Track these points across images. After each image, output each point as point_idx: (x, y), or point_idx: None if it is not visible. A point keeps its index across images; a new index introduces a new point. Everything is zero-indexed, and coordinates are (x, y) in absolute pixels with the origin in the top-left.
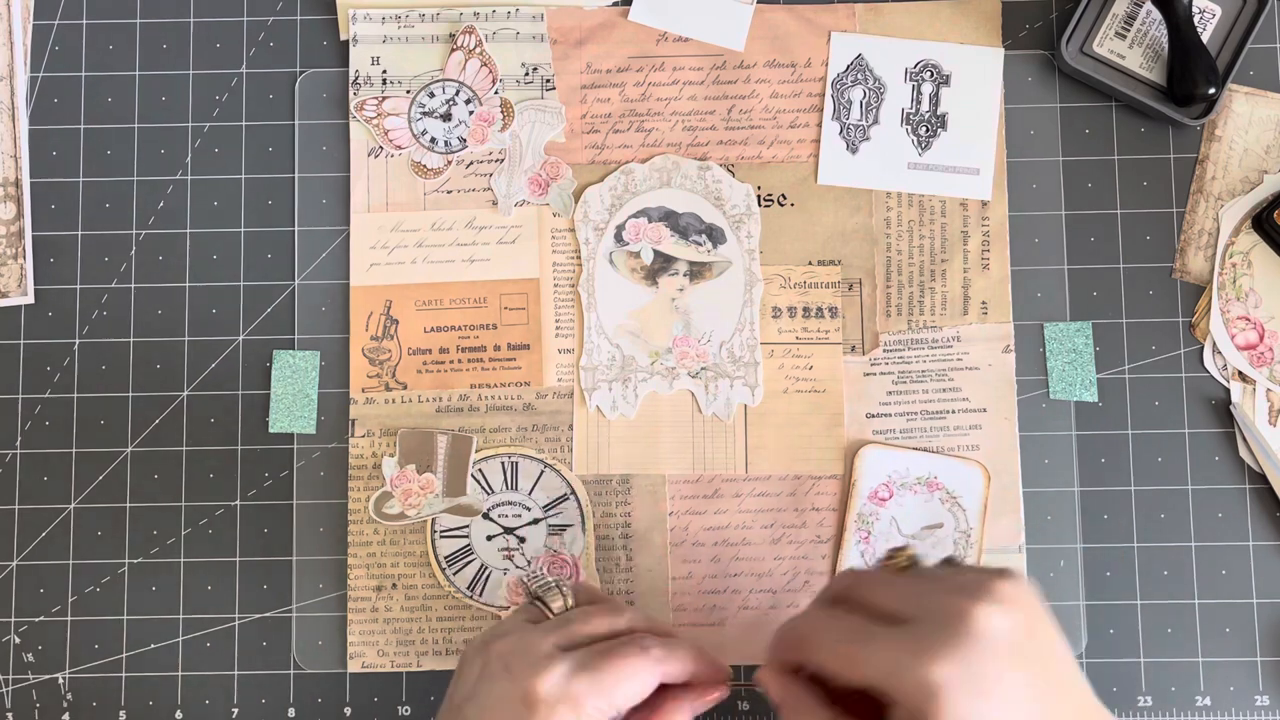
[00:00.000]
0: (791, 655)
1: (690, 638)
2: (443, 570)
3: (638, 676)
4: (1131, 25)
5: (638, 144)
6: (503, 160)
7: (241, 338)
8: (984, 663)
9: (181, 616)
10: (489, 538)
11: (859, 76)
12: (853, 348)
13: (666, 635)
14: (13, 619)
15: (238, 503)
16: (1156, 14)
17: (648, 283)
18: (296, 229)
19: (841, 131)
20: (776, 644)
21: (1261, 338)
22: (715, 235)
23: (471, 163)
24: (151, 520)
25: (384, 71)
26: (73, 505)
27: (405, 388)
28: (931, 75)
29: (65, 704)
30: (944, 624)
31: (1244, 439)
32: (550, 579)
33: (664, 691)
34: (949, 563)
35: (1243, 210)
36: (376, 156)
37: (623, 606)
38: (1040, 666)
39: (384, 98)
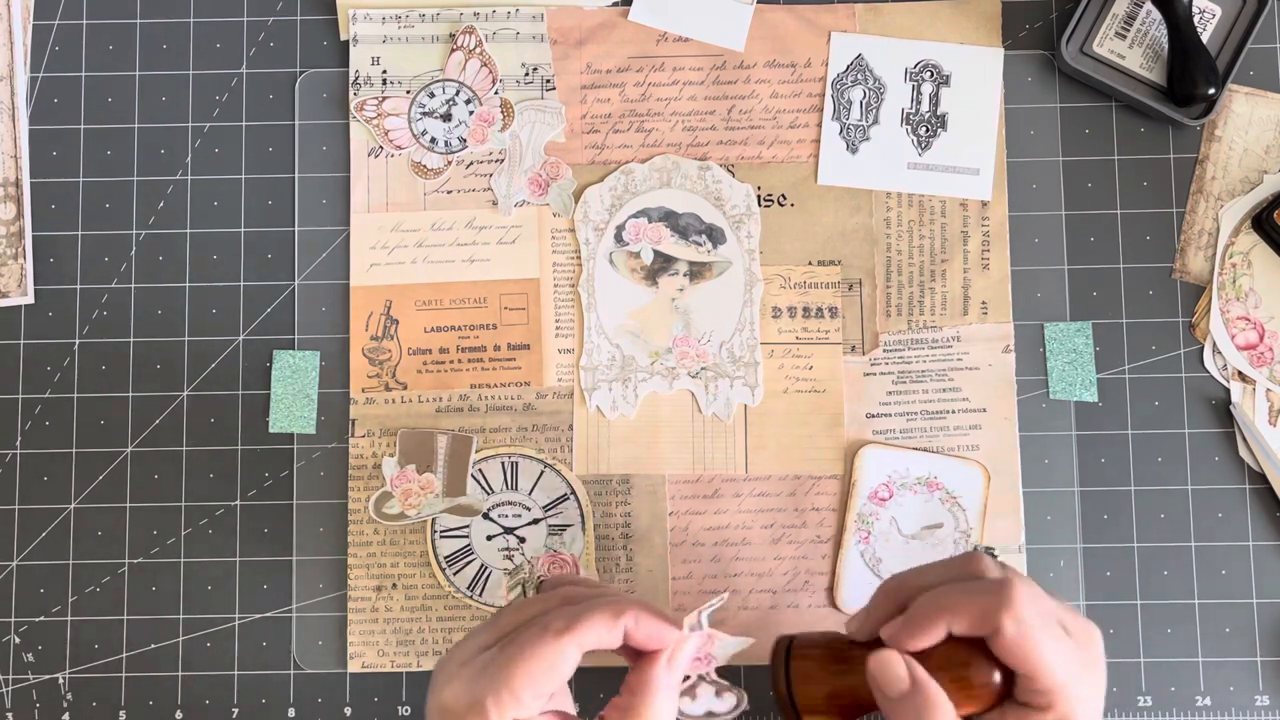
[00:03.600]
0: (962, 625)
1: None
2: (443, 570)
3: (538, 661)
4: (1131, 25)
5: (638, 144)
6: (503, 160)
7: (241, 338)
8: (1102, 677)
9: (181, 616)
10: (489, 538)
11: (859, 76)
12: (853, 348)
13: (604, 601)
14: (13, 619)
15: (238, 503)
16: (1156, 14)
17: (648, 283)
18: (296, 229)
19: (841, 131)
20: (937, 612)
21: (1261, 338)
22: (715, 235)
23: (471, 163)
24: (151, 520)
25: (384, 71)
26: (73, 505)
27: (405, 388)
28: (931, 75)
29: (65, 704)
30: (1090, 642)
31: (1244, 439)
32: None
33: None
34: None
35: (1243, 210)
36: (376, 156)
37: (588, 583)
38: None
39: (384, 98)
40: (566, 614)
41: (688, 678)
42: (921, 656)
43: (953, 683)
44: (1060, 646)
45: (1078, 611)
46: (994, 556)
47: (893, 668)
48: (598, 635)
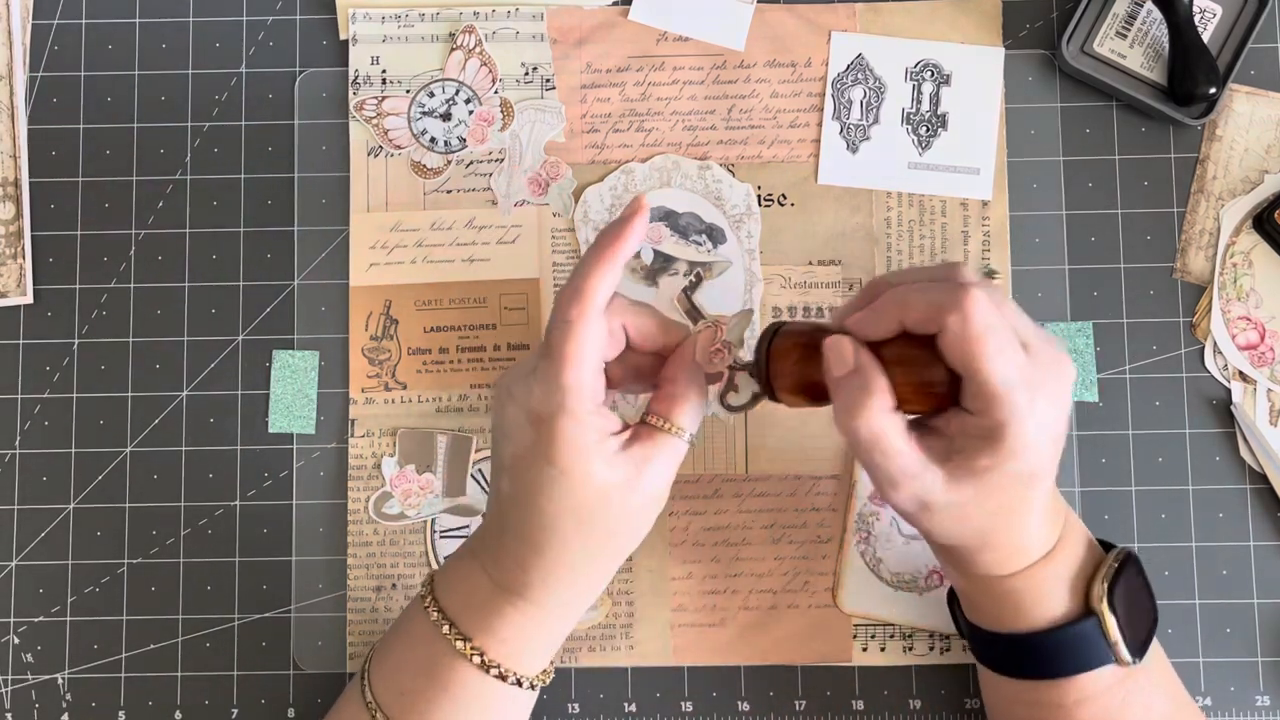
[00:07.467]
0: (915, 320)
1: (691, 638)
2: None
3: (573, 346)
4: (1132, 25)
5: (638, 144)
6: (502, 160)
7: (241, 338)
8: (1060, 406)
9: (181, 616)
10: None
11: (859, 76)
12: None
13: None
14: (12, 619)
15: (237, 503)
16: (1157, 13)
17: (648, 283)
18: (296, 229)
19: (842, 131)
20: (896, 307)
21: (1262, 338)
22: (715, 235)
23: (471, 162)
24: (151, 520)
25: (384, 71)
26: (72, 505)
27: (405, 388)
28: (932, 75)
29: (65, 704)
30: (1052, 365)
31: (1244, 439)
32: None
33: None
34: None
35: (1243, 210)
36: (376, 156)
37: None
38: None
39: (384, 97)
40: (569, 302)
41: (720, 375)
42: (881, 351)
43: (904, 378)
44: (1006, 356)
45: (1055, 340)
46: (991, 276)
47: (840, 349)
48: (602, 294)
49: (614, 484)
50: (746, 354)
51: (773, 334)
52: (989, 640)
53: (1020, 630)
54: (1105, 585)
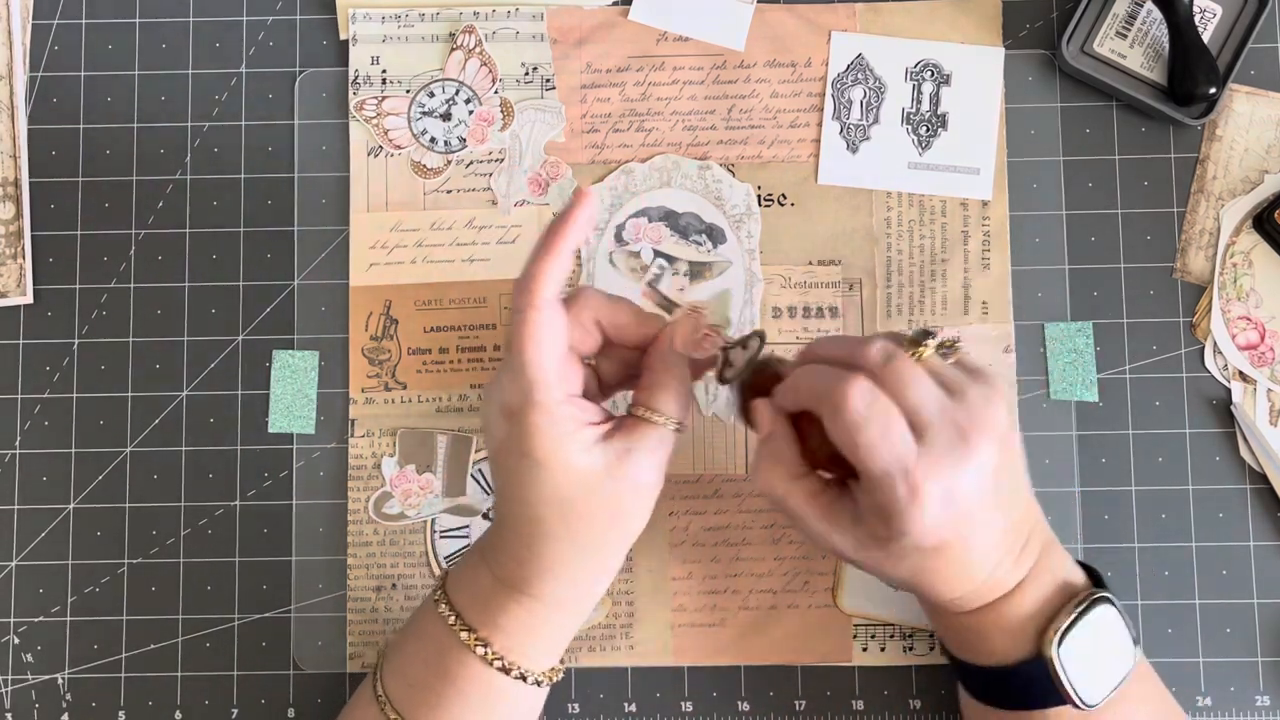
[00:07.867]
0: (807, 404)
1: (691, 638)
2: (442, 570)
3: (530, 335)
4: (1132, 25)
5: (638, 144)
6: (502, 160)
7: (241, 337)
8: (968, 490)
9: (181, 616)
10: None
11: (859, 76)
12: None
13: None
14: (12, 619)
15: (237, 503)
16: (1157, 13)
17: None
18: (296, 229)
19: (842, 131)
20: (794, 390)
21: (1262, 338)
22: (715, 235)
23: (471, 162)
24: (151, 520)
25: (384, 71)
26: (72, 505)
27: (405, 388)
28: (932, 75)
29: (64, 704)
30: (953, 446)
31: (1245, 439)
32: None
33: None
34: (945, 348)
35: (1243, 210)
36: (376, 156)
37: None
38: (1005, 497)
39: (384, 97)
40: (518, 292)
41: (713, 359)
42: (801, 416)
43: (815, 446)
44: (880, 448)
45: (974, 409)
46: (927, 341)
47: (759, 415)
48: (550, 282)
49: (594, 472)
50: (734, 331)
51: (759, 363)
52: (957, 663)
53: (980, 663)
54: (1057, 633)
